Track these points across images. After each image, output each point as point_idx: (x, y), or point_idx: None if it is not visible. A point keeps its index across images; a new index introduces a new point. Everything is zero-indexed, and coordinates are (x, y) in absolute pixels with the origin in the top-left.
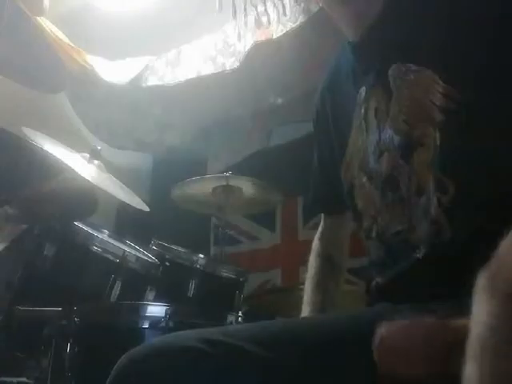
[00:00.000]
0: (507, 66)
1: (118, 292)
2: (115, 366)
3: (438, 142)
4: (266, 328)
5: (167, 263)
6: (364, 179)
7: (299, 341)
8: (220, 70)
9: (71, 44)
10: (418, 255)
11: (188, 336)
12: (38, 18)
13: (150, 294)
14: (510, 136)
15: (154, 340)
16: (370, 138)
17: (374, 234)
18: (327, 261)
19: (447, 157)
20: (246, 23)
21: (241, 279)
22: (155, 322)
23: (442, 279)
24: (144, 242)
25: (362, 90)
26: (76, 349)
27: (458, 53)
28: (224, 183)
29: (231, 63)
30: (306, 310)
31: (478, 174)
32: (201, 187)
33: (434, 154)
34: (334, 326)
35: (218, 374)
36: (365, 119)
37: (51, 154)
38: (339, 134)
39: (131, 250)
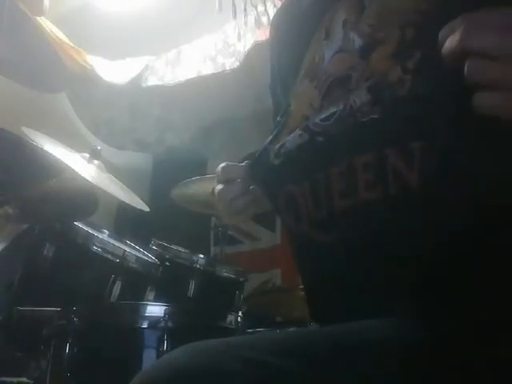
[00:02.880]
0: None
1: (117, 292)
2: None
3: (403, 37)
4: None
5: (167, 263)
6: (305, 81)
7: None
8: (220, 70)
9: (71, 44)
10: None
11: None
12: (37, 17)
13: (150, 294)
14: None
15: (170, 357)
16: (331, 46)
17: (299, 128)
18: None
19: (410, 47)
20: (246, 23)
21: (241, 279)
22: (154, 321)
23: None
24: (144, 242)
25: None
26: (75, 349)
27: None
28: None
29: (231, 63)
30: None
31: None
32: (201, 187)
33: (396, 46)
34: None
35: None
36: (327, 33)
37: (51, 154)
38: (295, 57)
39: (131, 249)
